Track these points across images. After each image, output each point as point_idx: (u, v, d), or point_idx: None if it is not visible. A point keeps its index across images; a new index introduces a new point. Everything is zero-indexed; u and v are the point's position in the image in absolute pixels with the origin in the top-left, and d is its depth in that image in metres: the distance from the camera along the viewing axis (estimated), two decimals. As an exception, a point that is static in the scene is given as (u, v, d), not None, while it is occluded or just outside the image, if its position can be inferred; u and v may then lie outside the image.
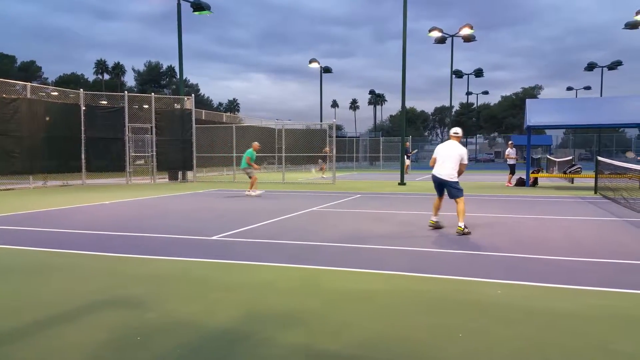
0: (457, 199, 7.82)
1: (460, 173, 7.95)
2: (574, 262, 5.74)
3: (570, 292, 4.52)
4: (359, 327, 3.66)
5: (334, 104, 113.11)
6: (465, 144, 67.65)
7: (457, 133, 8.12)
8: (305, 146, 23.79)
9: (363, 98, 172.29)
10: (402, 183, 19.34)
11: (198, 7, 21.29)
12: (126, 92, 21.24)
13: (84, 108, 19.37)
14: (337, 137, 39.01)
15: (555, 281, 4.86)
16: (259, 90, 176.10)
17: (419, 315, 3.91)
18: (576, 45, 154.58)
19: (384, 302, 4.25)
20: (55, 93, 21.85)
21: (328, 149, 15.48)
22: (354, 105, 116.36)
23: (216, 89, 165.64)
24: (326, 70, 39.41)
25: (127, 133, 20.22)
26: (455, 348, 3.24)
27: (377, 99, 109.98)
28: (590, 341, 3.37)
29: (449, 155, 7.92)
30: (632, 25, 30.83)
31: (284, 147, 21.87)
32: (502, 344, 3.30)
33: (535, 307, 4.07)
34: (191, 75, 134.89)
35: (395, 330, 3.57)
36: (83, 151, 19.21)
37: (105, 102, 22.03)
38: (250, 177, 14.33)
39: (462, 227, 7.54)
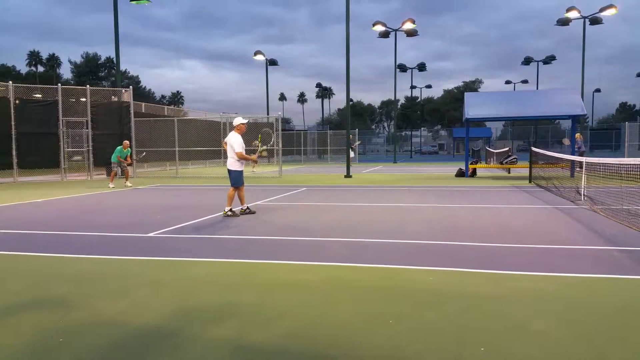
0: (231, 186, 8.94)
1: (242, 158, 8.90)
2: (502, 248, 5.99)
3: (495, 276, 4.72)
4: (291, 317, 3.66)
5: (282, 97, 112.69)
6: (410, 137, 69.25)
7: (232, 124, 9.13)
8: (252, 140, 23.56)
9: (310, 89, 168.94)
10: (348, 176, 19.54)
11: (136, -5, 20.52)
12: (59, 84, 20.23)
13: (16, 102, 18.33)
14: (284, 130, 38.86)
15: (482, 266, 5.06)
16: (195, 80, 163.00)
17: (352, 304, 3.96)
18: (521, 31, 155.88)
19: (317, 292, 4.28)
20: (-19, 86, 20.53)
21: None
22: (301, 98, 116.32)
23: (150, 78, 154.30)
24: (272, 62, 39.14)
25: (61, 127, 19.31)
26: (382, 333, 3.31)
27: (324, 92, 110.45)
28: (508, 321, 3.52)
29: (228, 146, 8.95)
30: (563, 22, 32.38)
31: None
32: (426, 327, 3.41)
33: (461, 292, 4.22)
34: (128, 64, 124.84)
35: (327, 319, 3.61)
36: (14, 147, 18.19)
37: (39, 96, 20.93)
38: (123, 170, 16.14)
39: (225, 210, 8.80)
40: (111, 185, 15.61)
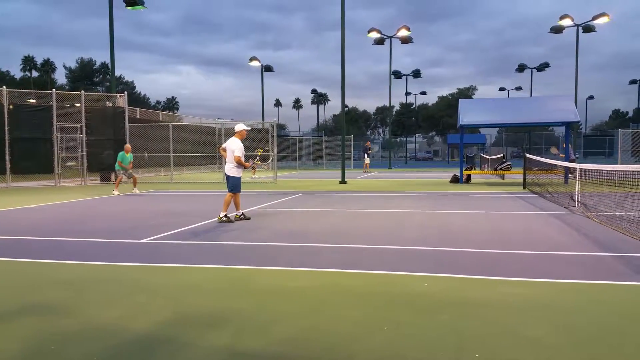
0: (229, 192, 8.88)
1: (239, 163, 8.87)
2: (497, 254, 6.00)
3: (489, 282, 4.73)
4: (286, 324, 3.65)
5: (277, 103, 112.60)
6: (405, 143, 69.41)
7: (235, 130, 9.25)
8: (248, 146, 23.59)
9: (306, 95, 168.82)
10: (343, 181, 19.55)
11: (131, 1, 20.51)
12: (54, 89, 20.17)
13: (10, 106, 18.25)
14: (279, 136, 38.90)
15: (477, 272, 5.07)
16: (191, 85, 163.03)
17: (347, 310, 3.95)
18: (516, 38, 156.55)
19: (313, 299, 4.27)
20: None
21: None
22: (297, 104, 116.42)
23: (145, 84, 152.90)
24: (267, 68, 39.15)
25: (55, 132, 19.24)
26: (378, 339, 3.30)
27: (319, 98, 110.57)
28: (503, 328, 3.53)
29: (228, 151, 8.94)
30: (556, 30, 32.61)
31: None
32: (422, 333, 3.41)
33: (456, 298, 4.22)
34: (123, 70, 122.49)
35: (322, 325, 3.60)
36: (7, 152, 18.10)
37: (33, 101, 20.85)
38: (130, 177, 15.54)
39: (221, 216, 8.72)
40: (116, 193, 14.92)
